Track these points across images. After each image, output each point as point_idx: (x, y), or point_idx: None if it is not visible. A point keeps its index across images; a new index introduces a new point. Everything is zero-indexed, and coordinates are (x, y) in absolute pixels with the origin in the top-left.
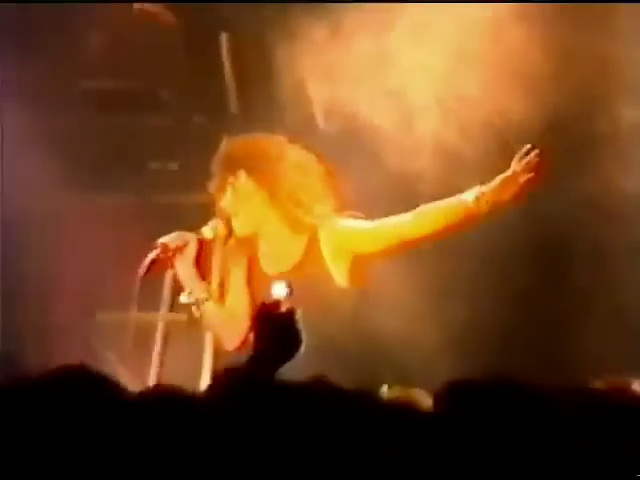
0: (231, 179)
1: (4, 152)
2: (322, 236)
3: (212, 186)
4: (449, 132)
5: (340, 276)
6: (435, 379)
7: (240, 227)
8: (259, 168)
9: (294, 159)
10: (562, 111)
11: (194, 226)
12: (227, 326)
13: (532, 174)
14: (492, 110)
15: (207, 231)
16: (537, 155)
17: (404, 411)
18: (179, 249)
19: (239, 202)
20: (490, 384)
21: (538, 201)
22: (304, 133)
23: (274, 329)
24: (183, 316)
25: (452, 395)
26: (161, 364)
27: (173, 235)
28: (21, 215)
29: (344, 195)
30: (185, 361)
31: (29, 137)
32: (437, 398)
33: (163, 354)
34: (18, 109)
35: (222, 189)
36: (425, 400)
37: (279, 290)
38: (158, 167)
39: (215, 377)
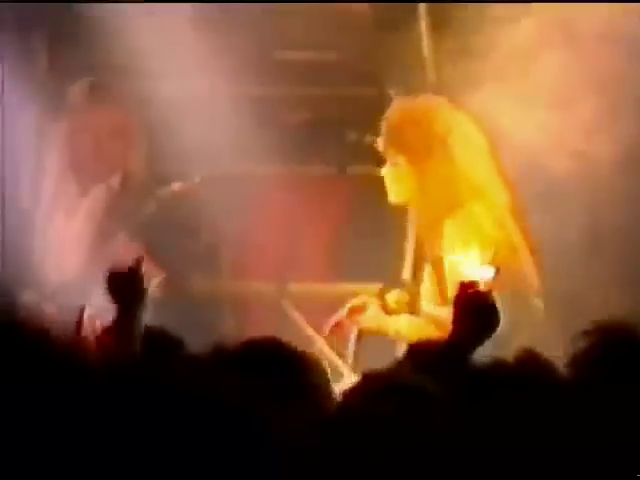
0: (391, 155)
1: (206, 119)
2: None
3: (379, 144)
4: None
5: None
6: None
7: (395, 196)
8: (421, 151)
9: (459, 134)
10: None
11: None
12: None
13: None
14: None
15: (391, 298)
16: None
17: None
18: (359, 310)
19: (394, 181)
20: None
21: None
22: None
23: (474, 308)
24: None
25: None
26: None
27: (357, 299)
28: (218, 180)
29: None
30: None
31: (229, 105)
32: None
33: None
34: (220, 77)
35: (384, 153)
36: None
37: (484, 273)
38: (355, 139)
39: (409, 352)
